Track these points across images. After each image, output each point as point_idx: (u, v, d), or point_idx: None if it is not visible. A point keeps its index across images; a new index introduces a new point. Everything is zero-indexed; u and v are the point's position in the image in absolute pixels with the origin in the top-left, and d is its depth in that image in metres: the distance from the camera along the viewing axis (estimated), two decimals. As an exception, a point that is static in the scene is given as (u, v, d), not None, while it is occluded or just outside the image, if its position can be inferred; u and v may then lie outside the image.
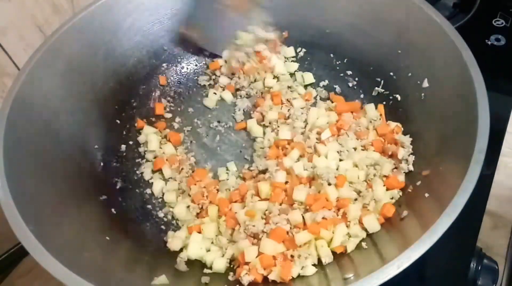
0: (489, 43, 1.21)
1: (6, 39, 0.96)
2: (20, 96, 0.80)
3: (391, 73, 0.98)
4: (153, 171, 0.97)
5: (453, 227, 0.62)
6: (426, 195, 0.75)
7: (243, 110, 1.07)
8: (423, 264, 0.85)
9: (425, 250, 0.60)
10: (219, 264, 0.80)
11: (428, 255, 0.60)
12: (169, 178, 0.96)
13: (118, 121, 1.01)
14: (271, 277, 0.75)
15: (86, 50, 0.94)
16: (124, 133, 1.01)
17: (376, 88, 1.01)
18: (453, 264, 0.85)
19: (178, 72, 1.12)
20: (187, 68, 1.13)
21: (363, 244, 0.78)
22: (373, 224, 0.79)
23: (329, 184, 0.84)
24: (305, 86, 1.09)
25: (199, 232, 0.86)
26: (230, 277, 0.78)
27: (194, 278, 0.80)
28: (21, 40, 1.00)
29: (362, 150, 0.92)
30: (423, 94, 0.89)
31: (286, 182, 0.88)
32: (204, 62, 1.14)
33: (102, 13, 0.95)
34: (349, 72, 1.07)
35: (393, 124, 0.93)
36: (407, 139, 0.89)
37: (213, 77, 1.13)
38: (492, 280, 0.81)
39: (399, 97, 0.96)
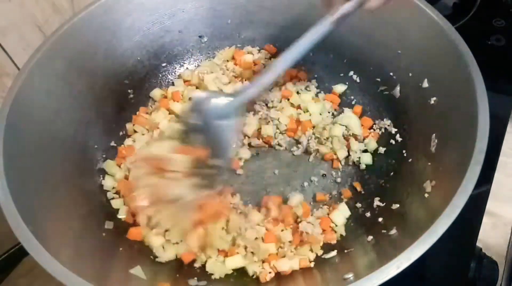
0: (489, 43, 1.21)
1: (6, 39, 0.96)
2: (20, 96, 0.79)
3: (391, 73, 0.97)
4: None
5: (453, 227, 0.62)
6: (426, 195, 0.76)
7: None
8: (423, 264, 0.85)
9: (424, 250, 0.60)
10: None
11: (428, 255, 0.60)
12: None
13: (118, 121, 1.01)
14: None
15: (86, 50, 0.94)
16: (124, 133, 1.01)
17: (381, 88, 1.01)
18: (453, 264, 0.85)
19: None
20: (188, 69, 1.13)
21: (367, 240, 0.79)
22: None
23: None
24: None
25: None
26: None
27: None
28: (21, 40, 0.99)
29: None
30: (423, 95, 0.89)
31: None
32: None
33: (102, 13, 0.95)
34: (349, 73, 1.07)
35: None
36: None
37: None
38: (492, 280, 0.81)
39: (398, 97, 0.97)
